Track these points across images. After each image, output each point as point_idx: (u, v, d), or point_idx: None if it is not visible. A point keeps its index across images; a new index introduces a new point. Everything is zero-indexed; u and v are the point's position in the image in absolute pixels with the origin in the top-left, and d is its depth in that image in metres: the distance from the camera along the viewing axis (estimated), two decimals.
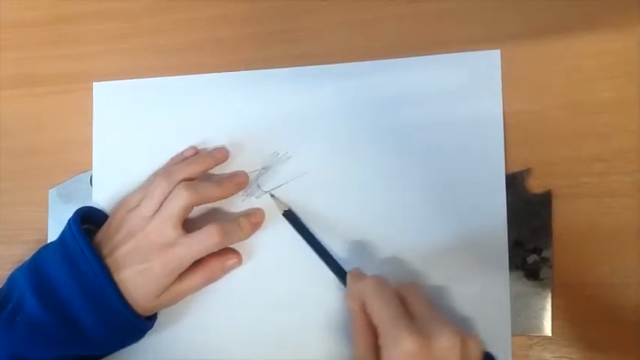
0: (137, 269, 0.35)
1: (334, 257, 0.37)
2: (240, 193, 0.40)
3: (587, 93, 0.36)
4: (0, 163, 0.45)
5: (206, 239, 0.36)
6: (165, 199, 0.36)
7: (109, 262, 0.36)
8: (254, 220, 0.39)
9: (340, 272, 0.37)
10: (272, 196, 0.39)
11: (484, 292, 0.36)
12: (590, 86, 0.36)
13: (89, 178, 0.43)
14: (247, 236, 0.38)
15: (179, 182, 0.37)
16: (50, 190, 0.44)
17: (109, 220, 0.39)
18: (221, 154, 0.39)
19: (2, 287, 0.38)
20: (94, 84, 0.43)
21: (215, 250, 0.36)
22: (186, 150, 0.41)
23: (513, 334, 0.36)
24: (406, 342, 0.28)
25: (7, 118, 0.45)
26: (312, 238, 0.38)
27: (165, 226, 0.36)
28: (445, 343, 0.29)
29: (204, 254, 0.36)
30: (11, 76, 0.45)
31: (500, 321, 0.36)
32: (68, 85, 0.44)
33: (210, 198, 0.38)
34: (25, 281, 0.36)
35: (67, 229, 0.37)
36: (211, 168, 0.39)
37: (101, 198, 0.42)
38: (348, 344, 0.37)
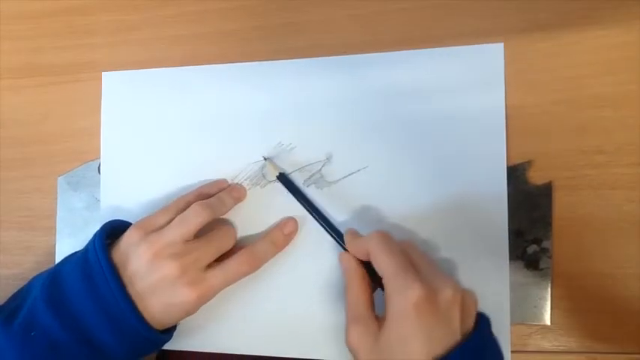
0: (167, 299, 0.34)
1: (330, 220, 0.38)
2: (246, 182, 0.41)
3: (589, 87, 0.37)
4: (10, 151, 0.46)
5: (239, 269, 0.36)
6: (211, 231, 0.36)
7: (133, 290, 0.34)
8: (287, 231, 0.39)
9: (338, 234, 0.37)
10: (266, 159, 0.40)
11: (484, 282, 0.36)
12: (592, 80, 0.37)
13: (97, 167, 0.44)
14: (282, 249, 0.39)
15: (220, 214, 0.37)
16: (59, 178, 0.44)
17: (128, 237, 0.36)
18: (241, 193, 0.40)
19: (21, 289, 0.37)
20: (103, 74, 0.44)
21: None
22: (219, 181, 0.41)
23: (513, 323, 0.36)
24: (415, 290, 0.30)
25: (17, 107, 0.46)
26: (308, 201, 0.38)
27: (209, 258, 0.36)
28: (449, 295, 0.30)
29: (235, 282, 0.37)
30: (22, 65, 0.46)
31: (500, 310, 0.36)
32: (77, 75, 0.45)
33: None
34: (41, 292, 0.34)
35: (92, 247, 0.35)
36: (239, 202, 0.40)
37: (109, 186, 0.43)
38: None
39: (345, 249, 0.36)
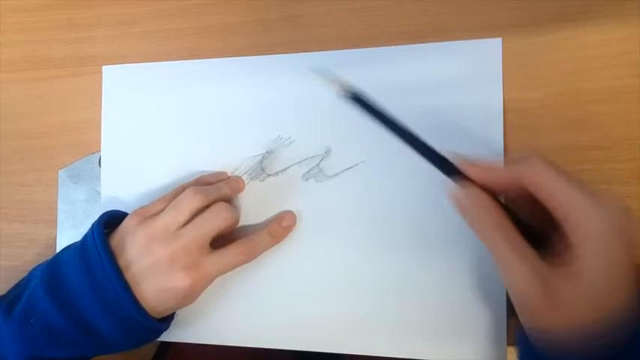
0: (161, 284, 0.34)
1: (429, 145, 0.32)
2: (245, 176, 0.41)
3: (587, 82, 0.37)
4: (11, 144, 0.46)
5: (234, 258, 0.36)
6: (197, 215, 0.36)
7: (128, 275, 0.34)
8: (285, 224, 0.39)
9: (439, 160, 0.31)
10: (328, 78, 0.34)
11: (483, 275, 0.37)
12: (590, 75, 0.37)
13: (98, 160, 0.44)
14: (279, 241, 0.39)
15: (215, 201, 0.36)
16: (60, 171, 0.45)
17: (126, 223, 0.37)
18: (240, 184, 0.40)
19: (22, 280, 0.38)
20: (104, 67, 0.44)
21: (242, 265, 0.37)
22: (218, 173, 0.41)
23: (511, 317, 0.36)
24: (615, 209, 0.25)
25: (18, 100, 0.46)
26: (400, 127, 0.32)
27: (197, 246, 0.35)
28: (630, 220, 0.26)
29: (230, 271, 0.37)
30: (23, 58, 0.46)
31: (497, 308, 0.36)
32: (78, 69, 0.45)
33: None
34: (40, 279, 0.35)
35: (90, 235, 0.36)
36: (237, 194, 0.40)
37: (109, 179, 0.43)
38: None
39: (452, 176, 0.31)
